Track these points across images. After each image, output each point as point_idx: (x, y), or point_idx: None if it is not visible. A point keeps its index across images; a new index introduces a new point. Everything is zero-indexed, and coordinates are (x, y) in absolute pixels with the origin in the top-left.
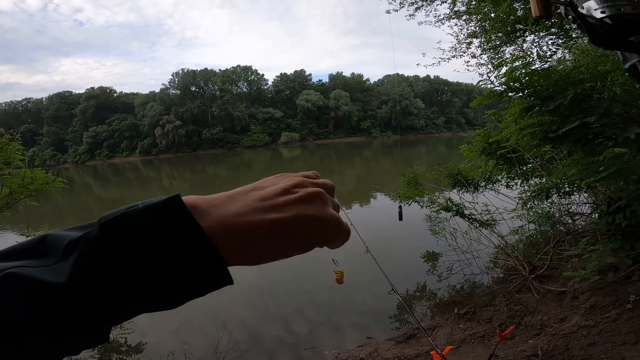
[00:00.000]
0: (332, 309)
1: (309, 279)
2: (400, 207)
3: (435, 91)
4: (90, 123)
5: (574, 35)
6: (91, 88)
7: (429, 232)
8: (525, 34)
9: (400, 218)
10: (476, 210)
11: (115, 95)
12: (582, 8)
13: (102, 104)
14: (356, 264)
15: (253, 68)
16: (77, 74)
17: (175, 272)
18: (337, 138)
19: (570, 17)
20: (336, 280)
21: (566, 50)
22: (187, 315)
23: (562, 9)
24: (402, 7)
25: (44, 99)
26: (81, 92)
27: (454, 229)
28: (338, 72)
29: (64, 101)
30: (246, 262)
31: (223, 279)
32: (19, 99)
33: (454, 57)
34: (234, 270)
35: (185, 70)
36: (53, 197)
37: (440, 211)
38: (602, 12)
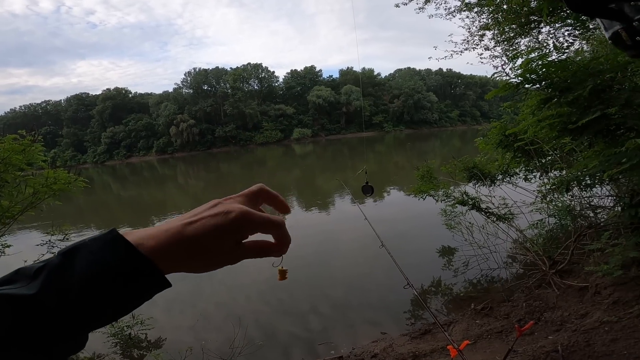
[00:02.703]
0: (346, 304)
1: (323, 274)
2: None
3: (448, 84)
4: (107, 124)
5: (591, 27)
6: (107, 89)
7: (444, 227)
8: (540, 26)
9: None
10: (493, 204)
11: (130, 95)
12: None
13: (119, 104)
14: (370, 258)
15: (263, 65)
16: (93, 76)
17: (116, 279)
18: (349, 133)
19: None
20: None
21: (584, 42)
22: (204, 312)
23: None
24: (411, 0)
25: (62, 101)
26: (98, 93)
27: (470, 223)
28: (348, 68)
29: (82, 103)
30: (181, 266)
31: (157, 280)
32: (39, 102)
33: (466, 49)
34: (248, 267)
35: (197, 70)
36: (75, 196)
37: (456, 205)
38: None
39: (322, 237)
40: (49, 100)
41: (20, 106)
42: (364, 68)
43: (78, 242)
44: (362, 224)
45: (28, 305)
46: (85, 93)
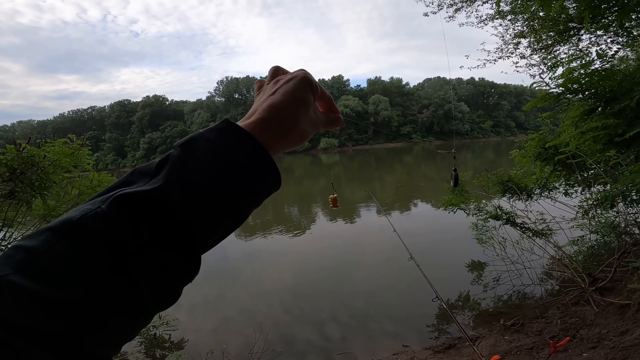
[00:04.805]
0: (367, 314)
1: (344, 283)
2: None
3: (480, 94)
4: (146, 129)
5: (635, 33)
6: (147, 96)
7: (474, 241)
8: (581, 33)
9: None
10: (529, 219)
11: (167, 103)
12: None
13: (156, 111)
14: (395, 271)
15: None
16: (135, 83)
17: (235, 166)
18: (377, 144)
19: None
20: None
21: (628, 49)
22: (226, 315)
23: None
24: (441, 8)
25: (106, 107)
26: (138, 100)
27: (503, 238)
28: (376, 77)
29: (124, 109)
30: (281, 138)
31: (269, 167)
32: (85, 107)
33: (500, 58)
34: (272, 274)
35: (229, 78)
36: None
37: (489, 219)
38: None
39: (346, 247)
40: (94, 106)
41: (69, 111)
42: (392, 77)
43: (193, 133)
44: (388, 236)
45: (151, 204)
46: (127, 100)
